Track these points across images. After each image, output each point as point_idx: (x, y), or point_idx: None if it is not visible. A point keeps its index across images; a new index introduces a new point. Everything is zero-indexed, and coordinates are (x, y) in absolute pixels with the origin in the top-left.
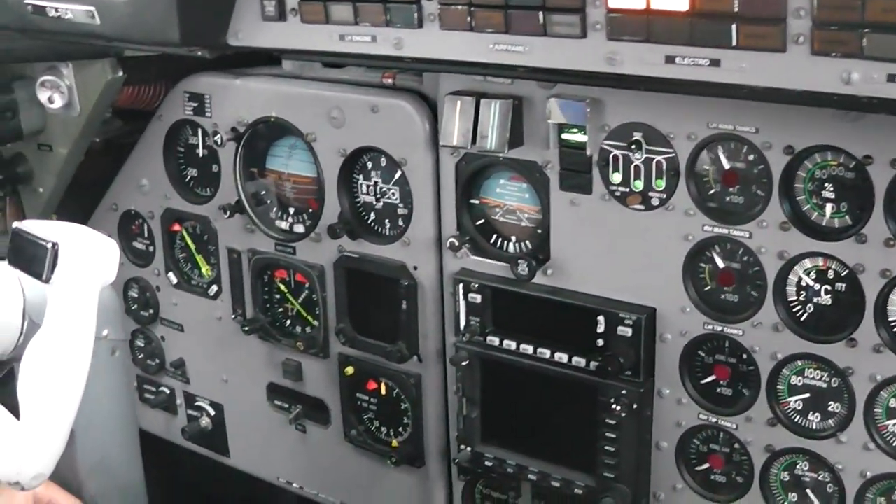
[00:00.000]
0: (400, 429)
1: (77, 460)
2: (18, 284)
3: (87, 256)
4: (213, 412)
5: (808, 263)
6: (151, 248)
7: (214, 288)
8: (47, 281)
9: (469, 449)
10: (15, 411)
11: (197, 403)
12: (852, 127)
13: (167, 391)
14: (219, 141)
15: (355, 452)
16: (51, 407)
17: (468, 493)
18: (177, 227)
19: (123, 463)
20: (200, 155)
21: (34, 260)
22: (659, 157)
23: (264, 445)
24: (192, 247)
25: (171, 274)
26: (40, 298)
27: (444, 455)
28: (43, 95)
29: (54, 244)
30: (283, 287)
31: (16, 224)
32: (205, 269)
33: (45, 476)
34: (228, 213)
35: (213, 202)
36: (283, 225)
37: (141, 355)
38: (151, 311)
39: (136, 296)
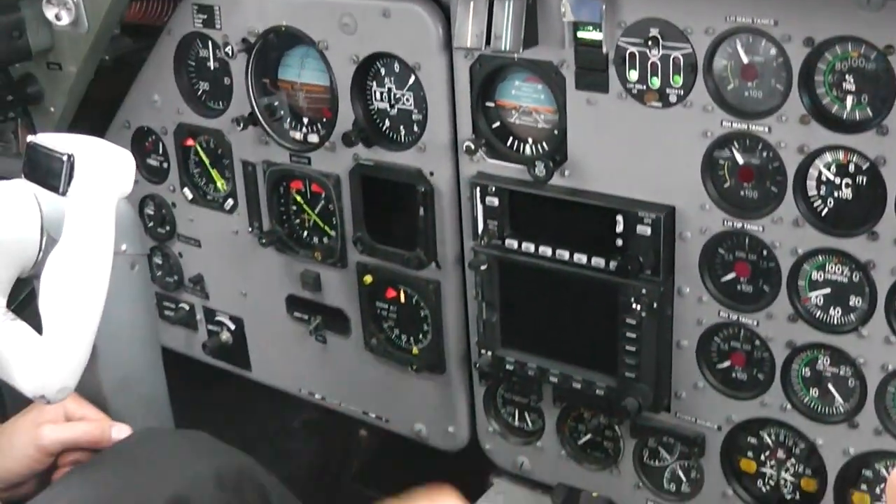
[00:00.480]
0: (420, 336)
1: (101, 376)
2: (35, 201)
3: (104, 167)
4: (233, 326)
5: (828, 157)
6: (166, 165)
7: (230, 202)
8: (64, 193)
9: (489, 353)
10: (39, 331)
11: (217, 318)
12: (873, 16)
13: (186, 307)
14: (230, 53)
15: (376, 361)
16: (72, 319)
17: (490, 398)
18: (190, 142)
19: (147, 378)
20: (211, 68)
21: (50, 173)
22: (676, 53)
23: (285, 358)
24: (207, 161)
25: (186, 189)
26: (58, 214)
27: (465, 361)
28: (50, 13)
29: (70, 156)
30: (298, 198)
31: (30, 137)
32: (220, 183)
33: (69, 389)
34: (242, 125)
35: (226, 115)
36: (297, 135)
37: (159, 273)
38: (168, 228)
39: (151, 213)
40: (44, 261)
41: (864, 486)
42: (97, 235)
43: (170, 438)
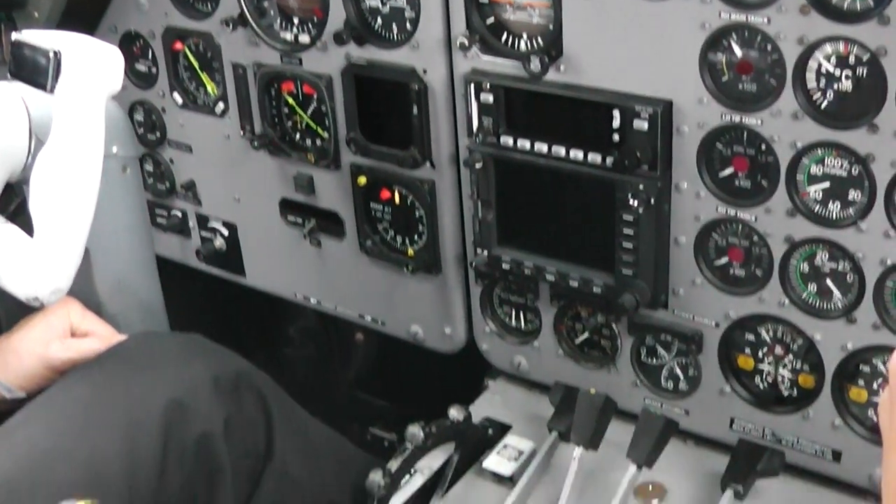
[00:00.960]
0: (415, 237)
1: (95, 281)
2: (22, 103)
3: (91, 63)
4: (226, 232)
5: (828, 48)
6: (154, 70)
7: (221, 105)
8: (51, 90)
9: (486, 252)
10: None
11: (210, 225)
12: None
13: (179, 214)
14: None
15: (371, 263)
16: (63, 219)
17: (486, 298)
18: (179, 46)
19: (142, 282)
20: None
21: (36, 70)
22: None
23: (280, 262)
24: (196, 64)
25: (175, 94)
26: (46, 117)
27: (461, 260)
28: None
29: (56, 52)
30: (290, 100)
31: (15, 35)
32: (210, 86)
33: (63, 291)
34: (231, 26)
35: (215, 17)
36: (288, 36)
37: (151, 180)
38: (158, 134)
39: (141, 119)
40: (32, 165)
41: (861, 382)
42: (86, 133)
43: (167, 342)
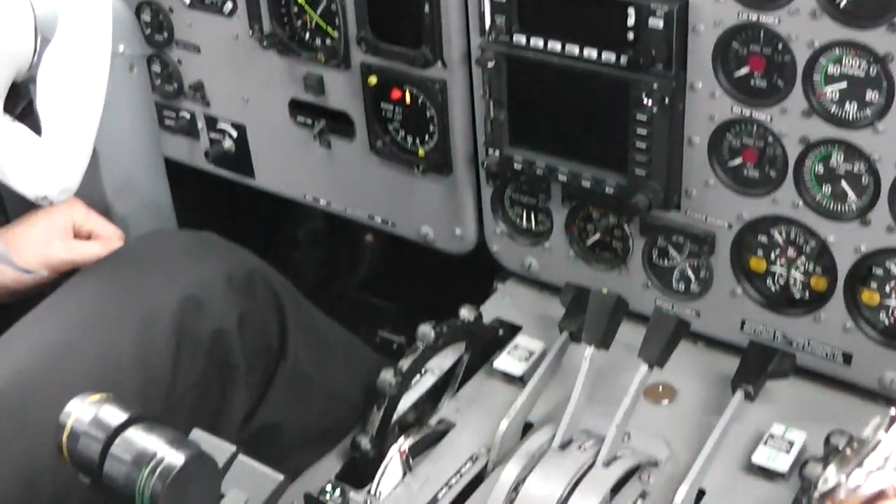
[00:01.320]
0: (426, 137)
1: (103, 181)
2: (27, 1)
3: None
4: (235, 133)
5: None
6: None
7: (229, 5)
8: None
9: (497, 152)
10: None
11: (219, 126)
12: None
13: (187, 116)
14: None
15: (381, 164)
16: (71, 117)
17: (497, 199)
18: None
19: (150, 182)
20: None
21: None
22: None
23: (289, 164)
24: None
25: None
26: (51, 15)
27: (472, 161)
28: None
29: None
30: None
31: None
32: None
33: (72, 190)
34: None
35: None
36: None
37: (158, 81)
38: (166, 35)
39: (148, 19)
40: (38, 64)
41: (873, 285)
42: (93, 29)
43: (180, 239)
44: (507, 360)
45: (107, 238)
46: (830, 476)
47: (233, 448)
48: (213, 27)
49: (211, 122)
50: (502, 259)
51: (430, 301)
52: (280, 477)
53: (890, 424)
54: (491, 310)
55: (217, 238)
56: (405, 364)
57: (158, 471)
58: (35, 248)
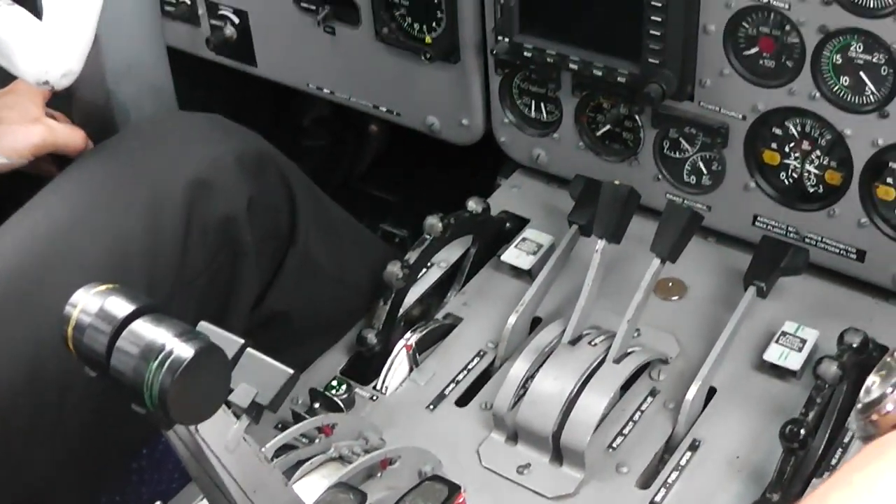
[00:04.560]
0: (434, 24)
1: (104, 64)
2: None
3: None
4: (237, 20)
5: None
6: None
7: None
8: None
9: (507, 40)
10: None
11: (220, 12)
12: None
13: (188, 1)
14: None
15: (387, 51)
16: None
17: (506, 88)
18: None
19: (152, 67)
20: None
21: None
22: None
23: (292, 51)
24: None
25: None
26: None
27: (481, 49)
28: None
29: None
30: None
31: None
32: None
33: (74, 74)
34: None
35: None
36: None
37: None
38: None
39: None
40: None
41: (890, 180)
42: None
43: (189, 120)
44: (515, 254)
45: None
46: (874, 387)
47: (241, 341)
48: None
49: (212, 8)
50: (510, 150)
51: (435, 194)
52: (290, 371)
53: None
54: (498, 202)
55: (225, 120)
56: (412, 257)
57: (167, 364)
58: (14, 134)
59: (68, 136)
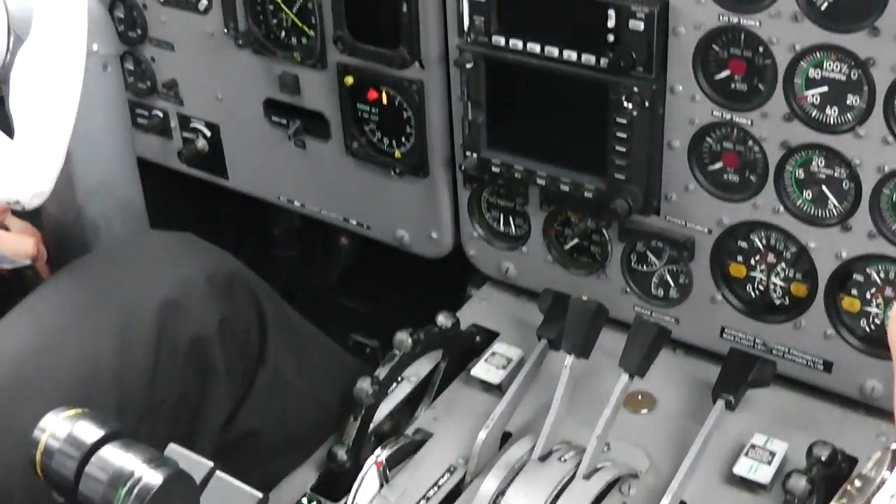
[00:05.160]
0: (403, 139)
1: (75, 182)
2: None
3: None
4: (209, 133)
5: None
6: None
7: (204, 2)
8: None
9: (475, 155)
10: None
11: (192, 125)
12: None
13: (160, 114)
14: None
15: (357, 166)
16: (46, 119)
17: (474, 202)
18: None
19: (123, 184)
20: None
21: None
22: None
23: (263, 165)
24: None
25: None
26: (25, 12)
27: (449, 164)
28: None
29: None
30: None
31: None
32: None
33: (45, 194)
34: None
35: None
36: None
37: (131, 79)
38: (139, 32)
39: (122, 16)
40: (12, 63)
41: (854, 291)
42: (68, 28)
43: (160, 240)
44: (485, 368)
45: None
46: None
47: (210, 464)
48: (188, 24)
49: (184, 121)
50: (479, 263)
51: (406, 305)
52: (258, 495)
53: (893, 460)
54: (468, 315)
55: (196, 239)
56: (382, 373)
57: (136, 491)
58: None
59: (16, 246)
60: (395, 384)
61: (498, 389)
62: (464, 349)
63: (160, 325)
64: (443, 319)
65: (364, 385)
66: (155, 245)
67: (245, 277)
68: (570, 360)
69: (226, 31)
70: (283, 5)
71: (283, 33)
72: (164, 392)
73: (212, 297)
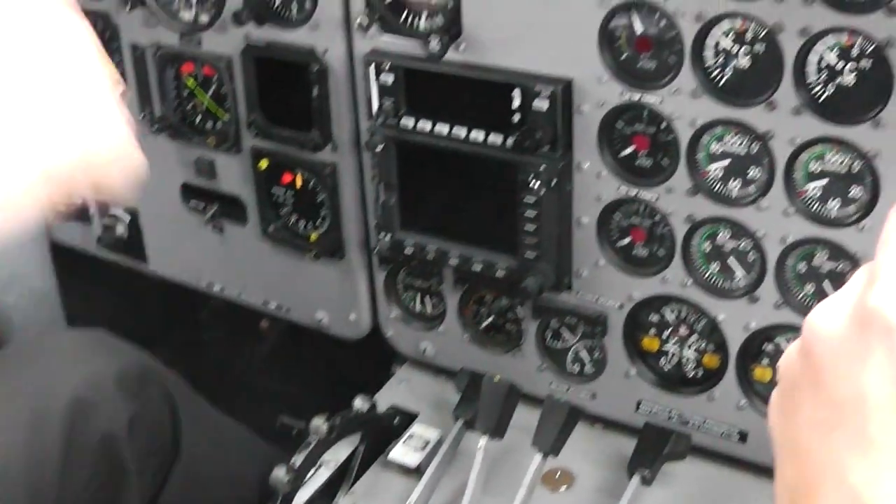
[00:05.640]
0: (318, 221)
1: None
2: None
3: None
4: (128, 218)
5: (726, 25)
6: None
7: (120, 87)
8: None
9: (388, 237)
10: None
11: (111, 211)
12: None
13: (79, 201)
14: None
15: (274, 249)
16: None
17: (390, 282)
18: None
19: (36, 273)
20: None
21: None
22: None
23: (182, 249)
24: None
25: None
26: None
27: (364, 245)
28: None
29: None
30: (190, 81)
31: None
32: (108, 68)
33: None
34: (129, 6)
35: None
36: (187, 15)
37: None
38: None
39: None
40: None
41: (765, 361)
42: None
43: (69, 339)
44: (403, 451)
45: None
46: None
47: None
48: None
49: (103, 208)
50: (397, 344)
51: (329, 385)
52: None
53: None
54: (387, 396)
55: (106, 336)
56: (298, 460)
57: None
58: None
59: None
60: (313, 470)
61: (416, 472)
62: (383, 432)
63: (70, 424)
64: (360, 403)
65: (280, 473)
66: (65, 344)
67: (158, 374)
68: (483, 441)
69: (141, 116)
70: (197, 90)
71: (198, 118)
72: (76, 490)
73: (121, 395)
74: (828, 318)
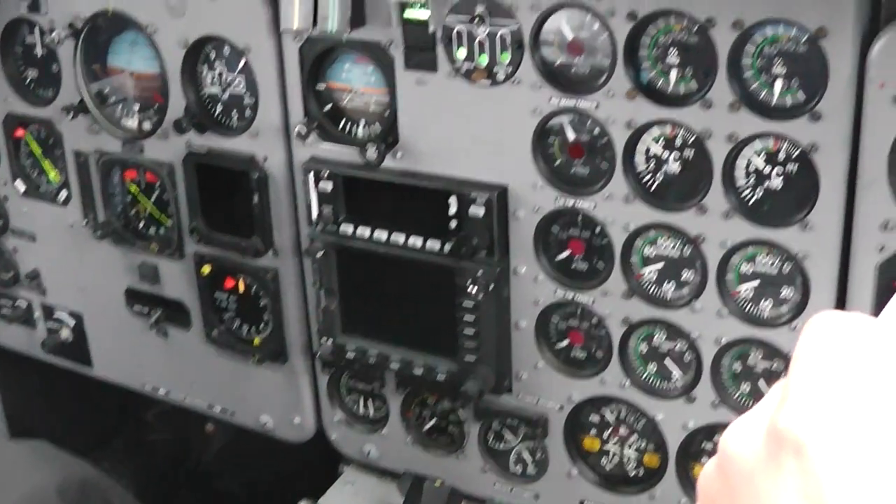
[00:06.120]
0: (261, 326)
1: None
2: None
3: None
4: (72, 322)
5: (655, 131)
6: None
7: (64, 193)
8: None
9: (330, 341)
10: None
11: (56, 315)
12: None
13: (24, 304)
14: (56, 39)
15: (219, 353)
16: None
17: (333, 387)
18: (20, 133)
19: None
20: (39, 55)
21: None
22: (503, 30)
23: (127, 353)
24: (38, 152)
25: (18, 182)
26: None
27: (307, 349)
28: None
29: None
30: (133, 188)
31: None
32: (52, 174)
33: None
34: (72, 114)
35: (56, 103)
36: (131, 123)
37: None
38: (1, 222)
39: None
40: None
41: (704, 459)
42: None
43: (9, 451)
44: None
45: None
46: None
47: None
48: (49, 215)
49: (48, 311)
50: (341, 447)
51: (276, 488)
52: None
53: None
54: (332, 500)
55: (47, 447)
56: None
57: None
58: None
59: None
60: None
61: None
62: None
63: None
64: None
65: None
66: (6, 456)
67: (99, 485)
68: None
69: (85, 221)
70: (140, 196)
71: (141, 224)
72: None
73: None
74: (742, 437)
